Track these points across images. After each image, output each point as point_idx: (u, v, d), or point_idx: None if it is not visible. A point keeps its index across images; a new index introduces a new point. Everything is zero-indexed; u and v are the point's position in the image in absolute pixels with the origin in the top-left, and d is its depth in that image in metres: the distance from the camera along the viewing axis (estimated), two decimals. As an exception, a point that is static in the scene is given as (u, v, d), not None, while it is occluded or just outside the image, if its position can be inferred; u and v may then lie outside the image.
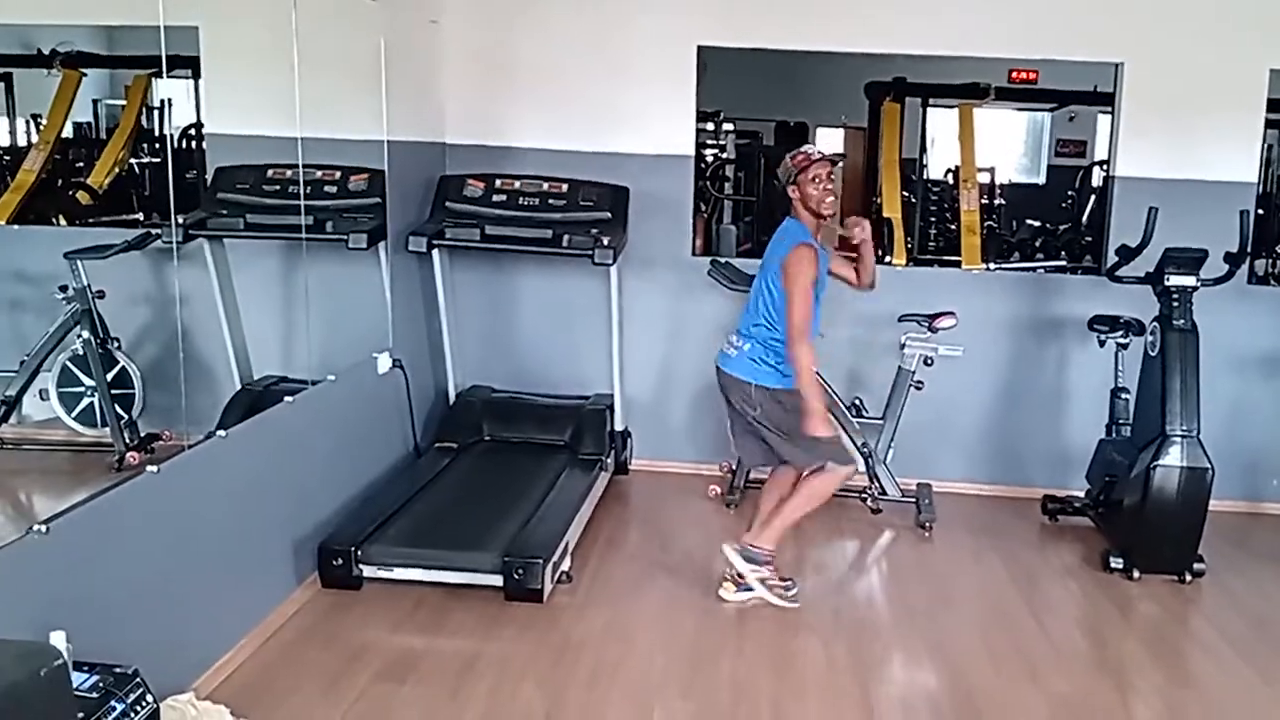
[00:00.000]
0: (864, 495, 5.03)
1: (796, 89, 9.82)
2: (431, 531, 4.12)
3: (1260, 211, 6.58)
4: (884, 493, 5.02)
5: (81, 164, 5.07)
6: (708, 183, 8.09)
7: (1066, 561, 4.61)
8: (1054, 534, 4.95)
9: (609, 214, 5.01)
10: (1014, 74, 8.81)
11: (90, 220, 4.76)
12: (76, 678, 2.29)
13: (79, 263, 3.76)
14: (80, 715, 2.18)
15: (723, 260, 5.26)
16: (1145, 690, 3.57)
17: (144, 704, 2.39)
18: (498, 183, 5.09)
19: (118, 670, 2.40)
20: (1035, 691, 3.47)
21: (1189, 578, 4.36)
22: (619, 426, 5.29)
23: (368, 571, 3.94)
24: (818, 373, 3.86)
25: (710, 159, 8.37)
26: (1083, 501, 4.96)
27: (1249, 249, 4.65)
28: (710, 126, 8.28)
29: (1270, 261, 7.86)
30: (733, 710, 3.27)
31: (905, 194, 7.63)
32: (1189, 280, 4.41)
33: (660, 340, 5.49)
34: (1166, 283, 4.43)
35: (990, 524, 5.01)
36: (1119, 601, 4.24)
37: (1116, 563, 4.43)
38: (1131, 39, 5.09)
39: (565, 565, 4.09)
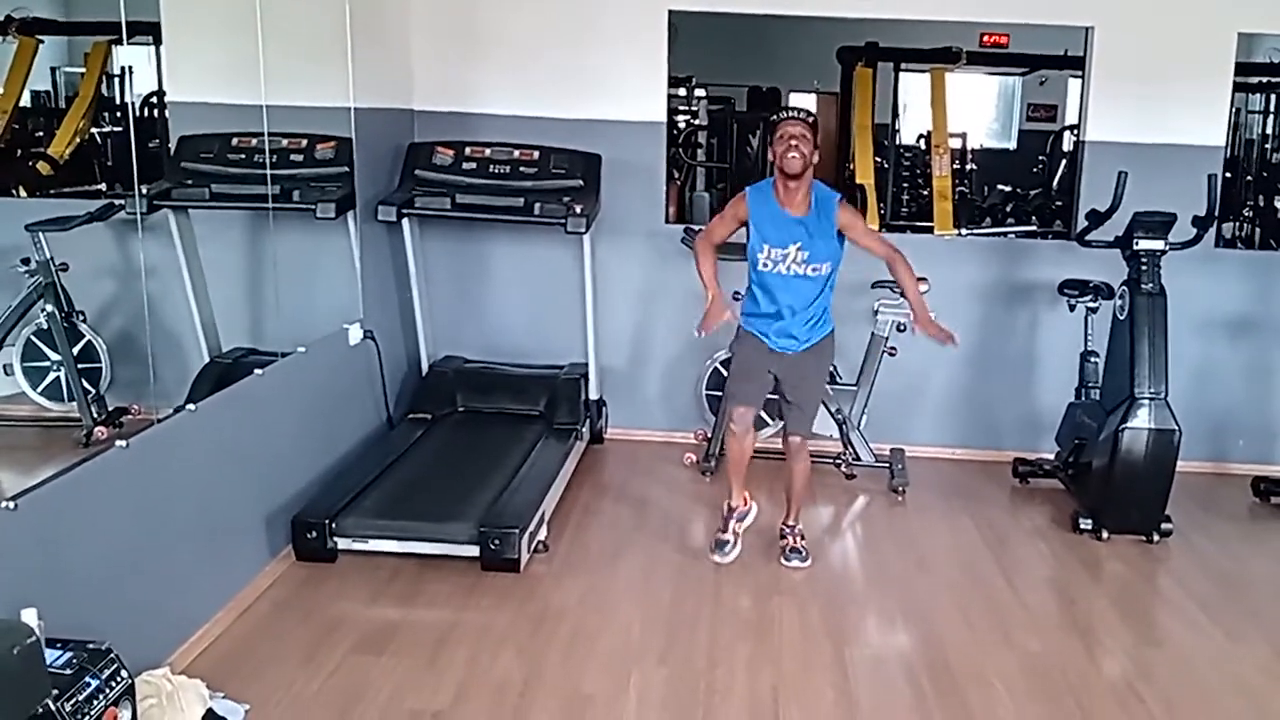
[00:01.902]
0: (838, 461, 5.07)
1: (769, 54, 9.78)
2: (406, 503, 4.11)
3: (1228, 175, 6.66)
4: (858, 458, 5.06)
5: (41, 133, 4.96)
6: (680, 149, 8.05)
7: (1037, 523, 4.67)
8: (1024, 496, 5.01)
9: (581, 181, 4.97)
10: (985, 38, 8.83)
11: (51, 191, 4.66)
12: (50, 655, 2.28)
13: (41, 235, 3.69)
14: (54, 692, 2.17)
15: (696, 228, 5.23)
16: (1114, 649, 3.63)
17: (119, 679, 2.38)
18: (468, 150, 5.02)
19: (91, 646, 2.39)
20: (1007, 651, 3.52)
21: (1157, 538, 4.43)
22: (594, 396, 5.28)
23: (342, 544, 3.92)
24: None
25: (683, 125, 8.32)
26: (1052, 464, 5.02)
27: (1216, 213, 4.68)
28: (682, 92, 8.22)
29: (1238, 225, 7.96)
30: (709, 675, 3.30)
31: (878, 160, 7.64)
32: (1157, 244, 4.44)
33: (634, 309, 5.48)
34: (1135, 246, 4.46)
35: (962, 487, 5.07)
36: (1088, 562, 4.30)
37: (1086, 524, 4.49)
38: (1101, 2, 5.08)
39: (542, 535, 4.10)
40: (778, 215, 3.88)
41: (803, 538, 4.18)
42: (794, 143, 3.76)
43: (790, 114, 3.88)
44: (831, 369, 5.10)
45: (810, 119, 3.86)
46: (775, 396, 4.19)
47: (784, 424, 4.18)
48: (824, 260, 3.88)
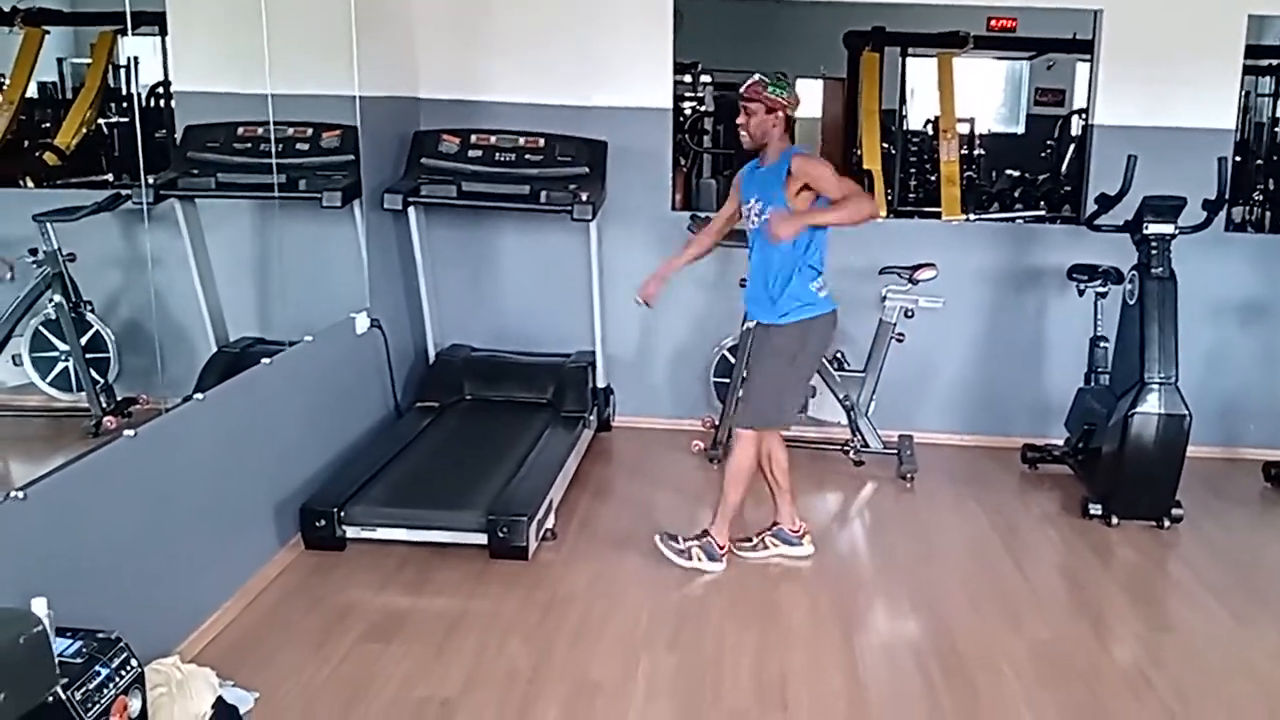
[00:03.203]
0: (846, 447, 5.06)
1: (775, 39, 9.74)
2: (414, 491, 4.12)
3: (1238, 158, 6.61)
4: (866, 445, 5.05)
5: (48, 124, 4.97)
6: (686, 136, 8.02)
7: (1046, 509, 4.66)
8: (1034, 482, 5.00)
9: (587, 169, 4.96)
10: (993, 22, 8.75)
11: (58, 182, 4.67)
12: (60, 644, 2.28)
13: (48, 225, 3.70)
14: (64, 681, 2.18)
15: (703, 215, 5.22)
16: (1123, 635, 3.62)
17: (128, 668, 2.38)
18: (473, 138, 5.02)
19: (101, 635, 2.39)
20: (1016, 637, 3.51)
21: (1167, 523, 4.41)
22: (601, 383, 5.28)
23: (351, 532, 3.93)
24: None
25: (689, 112, 8.29)
26: (1062, 449, 5.00)
27: (1227, 196, 4.66)
28: (688, 79, 8.19)
29: (1248, 208, 7.91)
30: (717, 662, 3.30)
31: (885, 145, 7.59)
32: (1167, 228, 4.41)
33: (641, 296, 5.46)
34: (1145, 231, 4.43)
35: (971, 473, 5.06)
36: (1098, 548, 4.29)
37: (1095, 509, 4.47)
38: (1110, -15, 5.05)
39: (550, 522, 4.10)
40: (754, 171, 3.90)
41: (698, 540, 3.94)
42: (739, 125, 3.79)
43: (750, 78, 3.79)
44: (840, 355, 5.09)
45: (753, 85, 3.71)
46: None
47: None
48: (771, 209, 3.73)
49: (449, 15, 5.23)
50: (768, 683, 3.19)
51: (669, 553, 3.94)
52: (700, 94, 8.59)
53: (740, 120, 3.77)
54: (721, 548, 3.94)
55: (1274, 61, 8.03)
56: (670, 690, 3.15)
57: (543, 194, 4.82)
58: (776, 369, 3.86)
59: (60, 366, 3.80)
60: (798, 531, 4.05)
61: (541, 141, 5.00)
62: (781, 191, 3.71)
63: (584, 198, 4.74)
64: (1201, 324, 5.05)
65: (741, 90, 3.77)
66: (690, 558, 3.92)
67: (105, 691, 2.28)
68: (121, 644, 2.39)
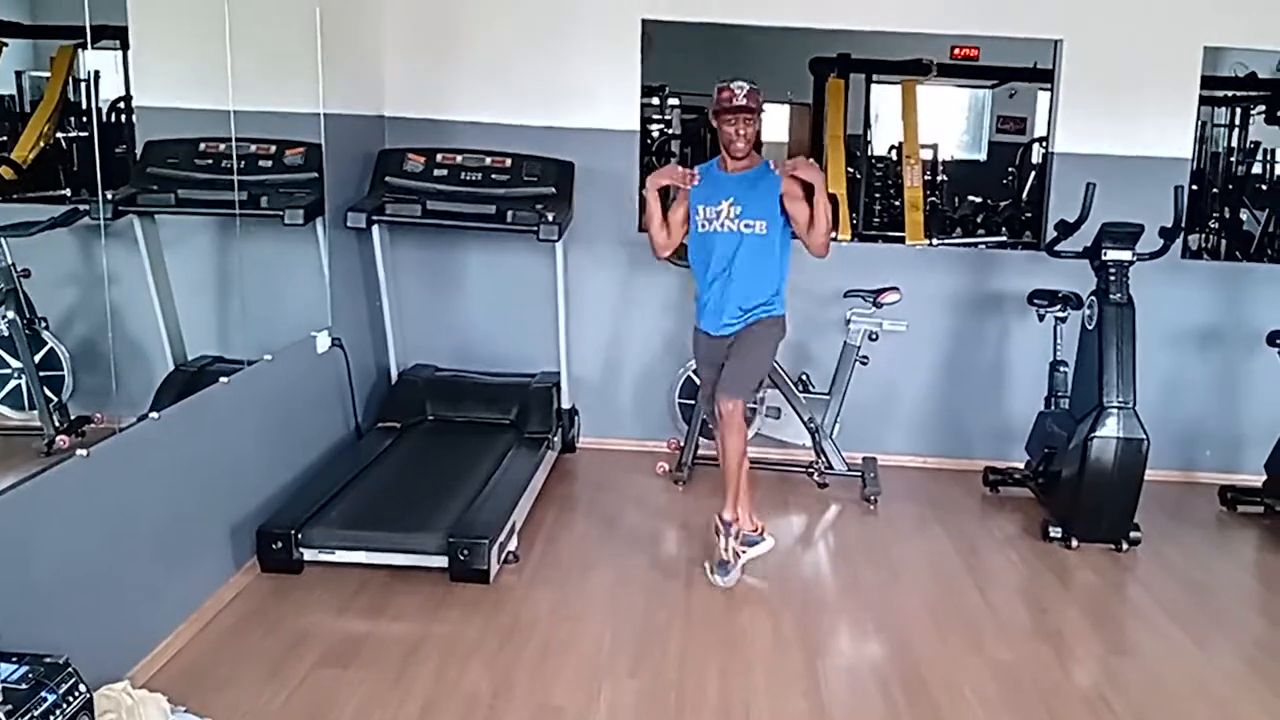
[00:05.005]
0: (810, 469, 5.07)
1: (742, 64, 9.73)
2: (374, 513, 4.06)
3: (1194, 187, 6.74)
4: (830, 467, 5.06)
5: (5, 138, 4.89)
6: (654, 158, 8.05)
7: (1007, 532, 4.69)
8: (995, 505, 5.03)
9: (553, 189, 4.96)
10: (956, 51, 8.89)
11: (14, 196, 4.58)
12: (4, 669, 2.24)
13: (3, 240, 3.62)
14: (8, 708, 2.12)
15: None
16: (1084, 657, 3.64)
17: (76, 694, 2.34)
18: (439, 157, 5.00)
19: (48, 660, 2.34)
20: (978, 660, 3.52)
21: (1125, 546, 4.45)
22: (565, 404, 5.26)
23: (308, 555, 3.87)
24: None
25: (656, 134, 8.32)
26: (1023, 473, 5.04)
27: (1183, 224, 4.74)
28: (655, 101, 8.23)
29: (1204, 236, 8.06)
30: (680, 686, 3.28)
31: (850, 170, 7.65)
32: (1125, 254, 4.48)
33: (606, 317, 5.46)
34: (1104, 257, 4.50)
35: (934, 496, 5.08)
36: (1058, 570, 4.32)
37: (1055, 532, 4.51)
38: (1070, 16, 5.13)
39: (512, 545, 4.06)
40: (715, 178, 3.94)
41: (739, 541, 3.97)
42: (738, 135, 3.82)
43: (734, 86, 3.79)
44: (804, 377, 5.11)
45: (752, 92, 3.80)
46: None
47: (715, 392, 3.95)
48: (758, 217, 3.82)
49: (416, 34, 5.22)
50: (730, 707, 3.17)
51: (728, 580, 3.94)
52: (668, 116, 8.63)
53: (742, 130, 3.79)
54: (755, 529, 4.04)
55: (1230, 93, 8.21)
56: (632, 715, 3.12)
57: (509, 214, 4.81)
58: (766, 348, 4.00)
59: (12, 384, 3.72)
60: (756, 529, 4.08)
61: (508, 161, 4.99)
62: (776, 206, 3.81)
63: (550, 218, 4.74)
64: (1159, 349, 5.12)
65: (743, 99, 3.76)
66: (740, 559, 3.97)
67: (52, 718, 2.23)
68: (69, 669, 2.35)
